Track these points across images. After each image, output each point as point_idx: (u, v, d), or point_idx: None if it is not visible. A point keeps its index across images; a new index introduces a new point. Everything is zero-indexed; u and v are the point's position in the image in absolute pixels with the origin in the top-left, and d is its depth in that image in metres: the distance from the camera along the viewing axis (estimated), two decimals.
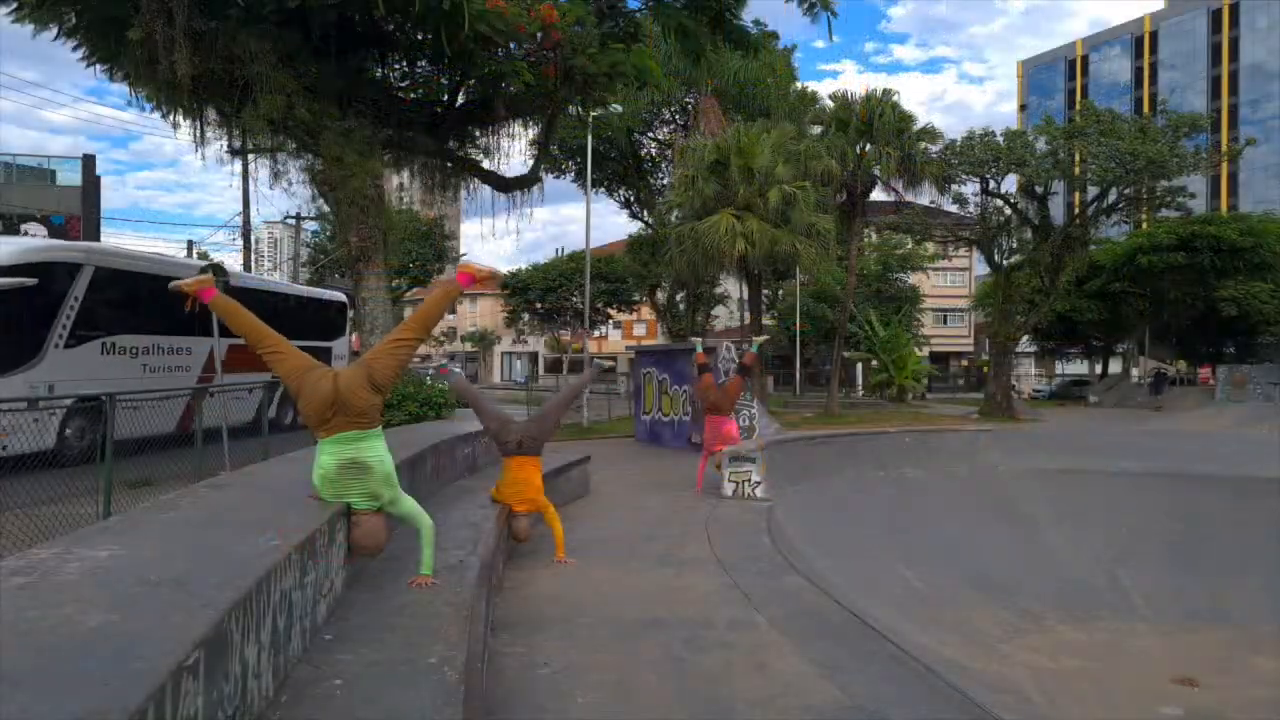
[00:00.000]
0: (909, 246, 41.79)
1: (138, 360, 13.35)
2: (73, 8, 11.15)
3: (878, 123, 25.21)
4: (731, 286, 31.29)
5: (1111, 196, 27.06)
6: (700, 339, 13.78)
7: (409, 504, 4.31)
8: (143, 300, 13.66)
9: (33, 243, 13.56)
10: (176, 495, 4.45)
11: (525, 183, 15.99)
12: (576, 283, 39.25)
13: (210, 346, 14.60)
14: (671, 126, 31.79)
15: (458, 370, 8.45)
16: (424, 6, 10.42)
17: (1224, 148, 48.01)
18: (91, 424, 11.18)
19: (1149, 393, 32.80)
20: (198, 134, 13.00)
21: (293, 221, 33.01)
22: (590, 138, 22.56)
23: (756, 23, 28.92)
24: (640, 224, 34.71)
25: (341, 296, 21.41)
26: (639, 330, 61.29)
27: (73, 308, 12.02)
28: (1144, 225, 34.73)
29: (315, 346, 16.03)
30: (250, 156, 16.44)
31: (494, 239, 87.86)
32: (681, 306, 31.97)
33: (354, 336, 20.24)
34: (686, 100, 29.77)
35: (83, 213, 28.02)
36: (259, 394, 15.00)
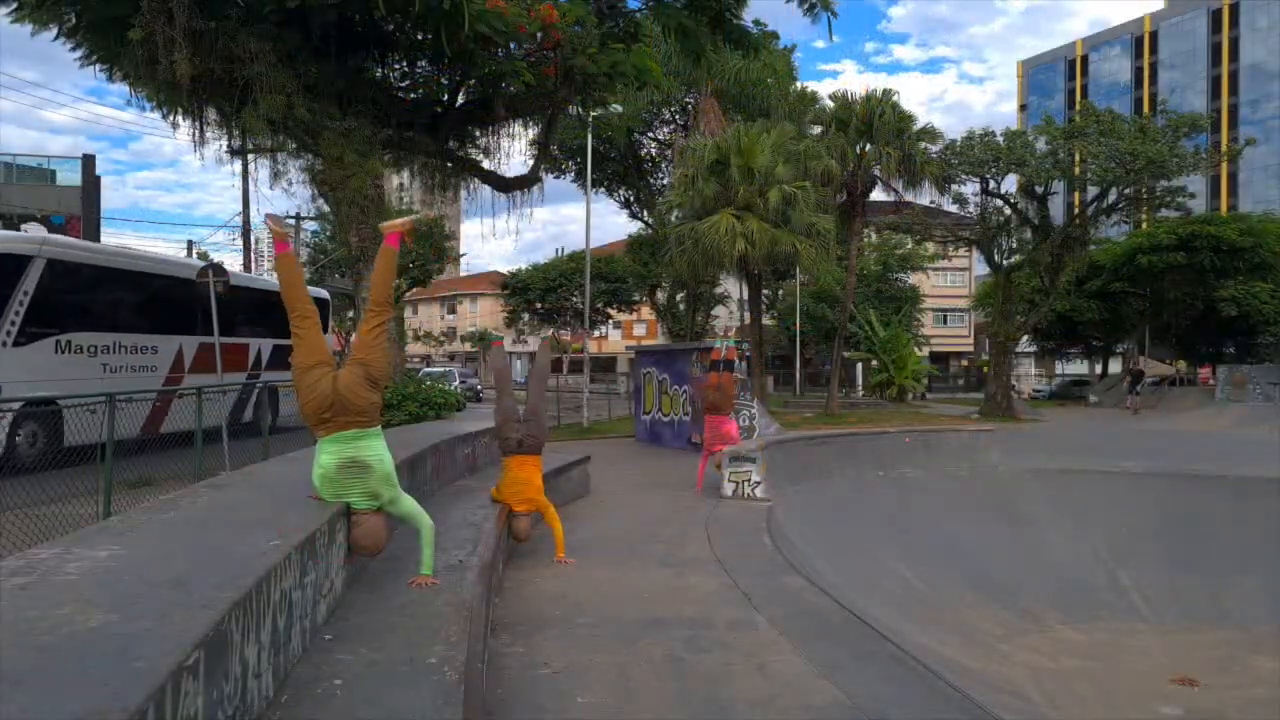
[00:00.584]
0: (909, 246, 41.80)
1: (97, 359, 12.45)
2: (73, 8, 11.15)
3: (878, 123, 25.22)
4: (731, 286, 31.33)
5: (1111, 196, 27.05)
6: (721, 337, 13.64)
7: (409, 504, 4.31)
8: (103, 295, 12.97)
9: None
10: (176, 495, 4.45)
11: (525, 183, 15.99)
12: (576, 283, 39.23)
13: (179, 345, 14.04)
14: (671, 126, 31.82)
15: (506, 352, 8.35)
16: (424, 6, 10.42)
17: (1224, 148, 48.01)
18: (46, 428, 10.31)
19: (1126, 392, 32.76)
20: (197, 134, 12.97)
21: (293, 221, 33.03)
22: (590, 138, 22.57)
23: (757, 23, 28.96)
24: (640, 224, 34.76)
25: (325, 294, 21.37)
26: (639, 330, 61.32)
27: (22, 302, 11.20)
28: (1144, 225, 34.72)
29: None
30: (250, 156, 16.44)
31: (494, 239, 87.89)
32: (681, 306, 31.99)
33: (353, 337, 20.23)
34: (686, 100, 29.80)
35: (83, 213, 28.05)
36: (231, 396, 14.29)
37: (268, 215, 4.75)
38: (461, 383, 31.93)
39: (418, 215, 5.51)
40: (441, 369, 39.88)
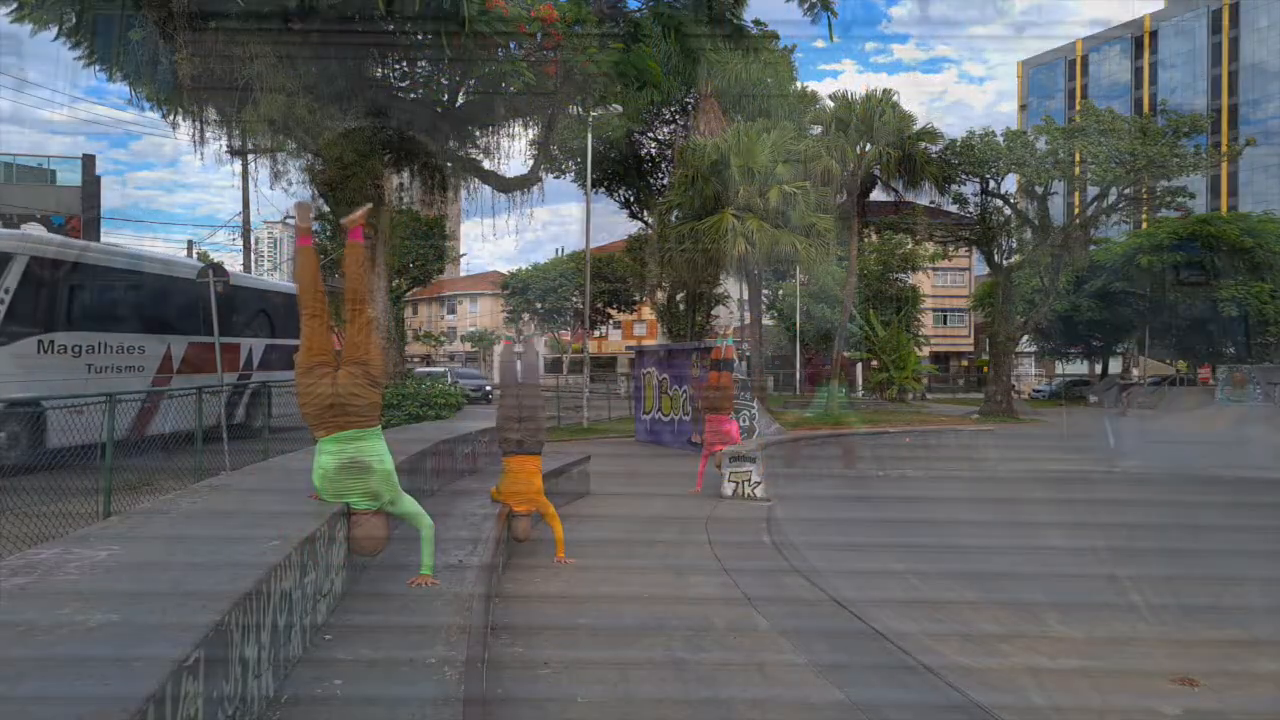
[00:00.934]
0: (909, 246, 41.79)
1: (81, 360, 12.01)
2: (73, 8, 11.14)
3: (878, 123, 25.23)
4: (731, 286, 31.33)
5: (1111, 196, 27.07)
6: (722, 335, 13.55)
7: (409, 503, 4.31)
8: (87, 294, 12.67)
9: None
10: (176, 495, 4.45)
11: (525, 183, 15.98)
12: (576, 283, 39.25)
13: (166, 345, 13.74)
14: (671, 126, 31.77)
15: (517, 349, 8.13)
16: (424, 6, 10.43)
17: (1224, 148, 47.99)
18: (28, 430, 9.90)
19: (1114, 401, 32.89)
20: (197, 134, 12.94)
21: (293, 221, 32.93)
22: (590, 138, 22.55)
23: (757, 23, 28.88)
24: (640, 224, 34.74)
25: None
26: (639, 330, 61.28)
27: (2, 300, 10.87)
28: (1144, 225, 34.75)
29: (292, 344, 15.05)
30: (250, 156, 16.42)
31: (494, 239, 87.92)
32: (681, 306, 31.97)
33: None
34: (686, 100, 29.76)
35: (82, 213, 28.04)
36: (221, 396, 14.16)
37: (297, 203, 4.61)
38: (455, 383, 31.78)
39: (371, 204, 5.55)
40: (440, 369, 39.77)
